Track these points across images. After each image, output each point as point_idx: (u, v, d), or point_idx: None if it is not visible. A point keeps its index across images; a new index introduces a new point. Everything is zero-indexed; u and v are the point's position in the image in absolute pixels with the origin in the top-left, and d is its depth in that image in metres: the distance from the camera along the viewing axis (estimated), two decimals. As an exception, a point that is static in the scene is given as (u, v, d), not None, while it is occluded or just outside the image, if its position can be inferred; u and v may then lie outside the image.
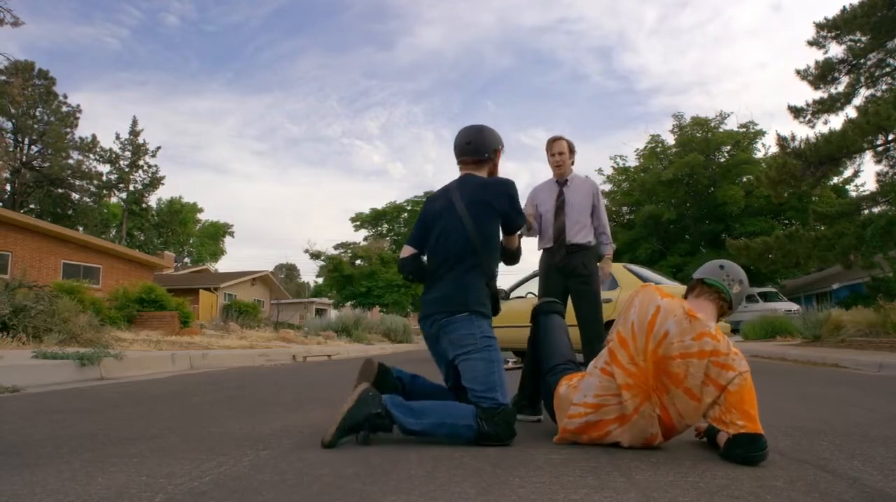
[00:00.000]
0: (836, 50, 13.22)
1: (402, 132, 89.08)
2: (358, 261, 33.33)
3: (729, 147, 26.88)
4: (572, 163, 3.68)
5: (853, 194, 20.79)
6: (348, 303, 30.34)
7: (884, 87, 13.02)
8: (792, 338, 11.55)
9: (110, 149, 38.78)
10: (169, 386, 4.05)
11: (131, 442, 2.00)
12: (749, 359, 1.89)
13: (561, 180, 3.64)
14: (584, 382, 2.00)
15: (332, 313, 28.83)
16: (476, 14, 78.79)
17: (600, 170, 30.35)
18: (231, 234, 52.82)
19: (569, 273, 3.52)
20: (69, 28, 60.21)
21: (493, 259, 2.30)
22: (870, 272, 14.84)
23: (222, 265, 50.03)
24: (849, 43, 13.00)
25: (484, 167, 2.42)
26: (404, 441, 2.06)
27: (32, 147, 35.09)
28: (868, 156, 12.66)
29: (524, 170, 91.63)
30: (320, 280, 39.57)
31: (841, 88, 13.23)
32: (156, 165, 40.72)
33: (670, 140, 28.58)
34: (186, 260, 47.93)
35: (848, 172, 18.79)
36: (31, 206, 35.10)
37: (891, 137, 11.52)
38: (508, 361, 7.52)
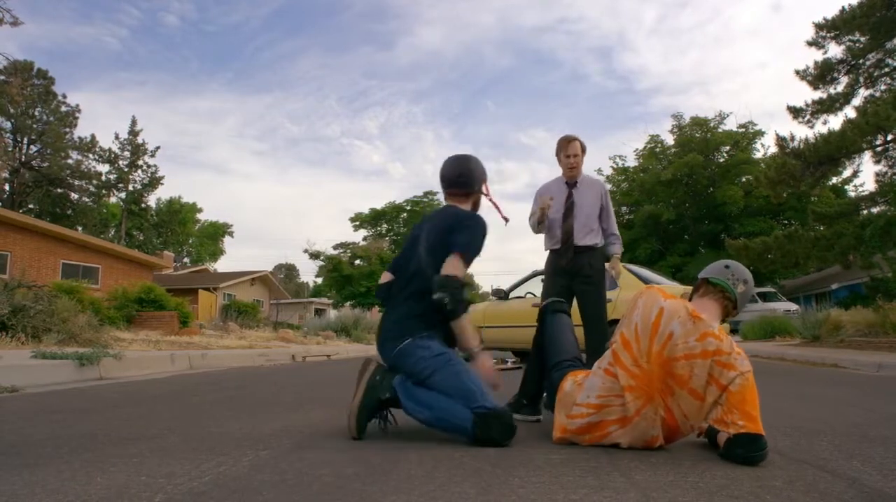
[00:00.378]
0: (835, 50, 13.26)
1: (402, 132, 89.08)
2: (357, 262, 33.35)
3: (728, 147, 26.92)
4: (582, 163, 3.65)
5: (852, 194, 20.81)
6: (347, 303, 30.33)
7: (883, 87, 13.04)
8: (791, 339, 11.56)
9: (109, 149, 38.82)
10: (168, 386, 4.05)
11: (131, 442, 1.99)
12: (748, 358, 1.89)
13: (571, 181, 3.61)
14: (587, 382, 2.00)
15: (332, 313, 28.84)
16: (476, 14, 78.83)
17: (600, 171, 30.41)
18: (230, 234, 52.84)
19: (574, 273, 3.51)
20: (69, 28, 60.27)
21: None
22: (869, 272, 14.84)
23: (221, 265, 50.06)
24: (848, 43, 13.01)
25: (470, 200, 2.43)
26: (405, 440, 2.06)
27: (31, 147, 35.09)
28: (867, 156, 12.68)
29: (524, 171, 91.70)
30: (319, 280, 39.61)
31: (840, 89, 13.25)
32: (155, 165, 40.79)
33: (670, 140, 28.65)
34: (186, 260, 47.91)
35: (847, 172, 18.80)
36: (30, 206, 35.08)
37: (890, 138, 11.53)
38: (508, 361, 7.52)
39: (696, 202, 27.32)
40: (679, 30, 74.37)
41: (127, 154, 39.57)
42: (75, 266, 16.97)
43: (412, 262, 2.26)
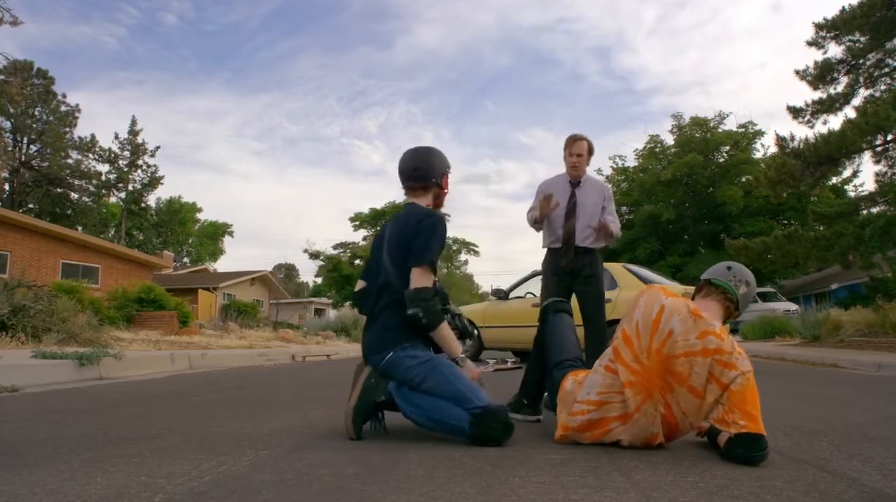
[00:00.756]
0: (835, 50, 13.26)
1: (401, 132, 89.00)
2: (357, 261, 33.35)
3: (728, 147, 26.92)
4: (588, 164, 3.60)
5: (852, 194, 20.81)
6: (347, 303, 30.30)
7: (883, 87, 13.04)
8: (791, 339, 11.56)
9: (109, 149, 38.84)
10: (168, 386, 4.05)
11: (131, 442, 1.99)
12: (749, 359, 1.89)
13: (574, 181, 3.56)
14: (588, 379, 2.01)
15: (331, 313, 28.83)
16: (475, 13, 78.91)
17: (599, 171, 30.41)
18: (230, 234, 52.81)
19: (573, 274, 3.49)
20: (67, 27, 60.31)
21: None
22: (868, 272, 14.84)
23: (221, 265, 50.02)
24: (848, 43, 13.01)
25: (429, 193, 2.34)
26: (405, 440, 2.06)
27: (31, 146, 35.10)
28: (867, 156, 12.68)
29: (523, 171, 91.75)
30: (319, 280, 39.64)
31: (840, 89, 13.25)
32: (155, 165, 40.83)
33: (669, 140, 28.65)
34: (185, 259, 47.90)
35: (847, 173, 18.80)
36: (30, 206, 35.08)
37: (890, 138, 11.53)
38: (507, 361, 7.52)
39: (695, 202, 27.32)
40: (678, 30, 74.48)
41: (127, 154, 39.60)
42: (75, 266, 16.97)
43: (381, 273, 2.24)
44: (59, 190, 35.81)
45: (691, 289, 2.18)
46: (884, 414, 2.87)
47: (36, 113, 34.97)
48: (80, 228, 34.43)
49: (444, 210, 2.43)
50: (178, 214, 45.48)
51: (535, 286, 7.36)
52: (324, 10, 79.84)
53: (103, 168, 38.78)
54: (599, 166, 31.33)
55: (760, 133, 26.74)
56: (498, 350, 8.67)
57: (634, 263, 13.72)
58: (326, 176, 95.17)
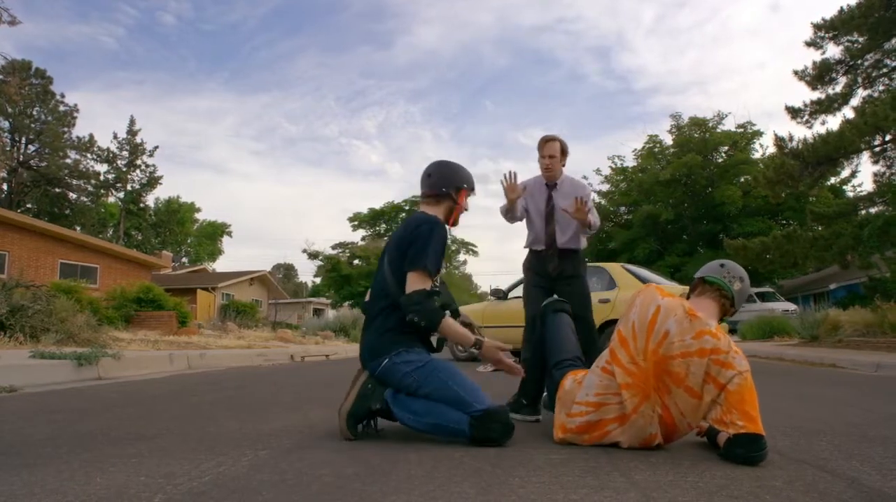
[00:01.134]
0: (833, 51, 13.26)
1: (400, 132, 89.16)
2: (356, 261, 33.36)
3: (727, 147, 26.92)
4: (563, 165, 3.49)
5: (850, 194, 20.82)
6: (346, 303, 30.32)
7: (881, 87, 13.05)
8: (789, 339, 11.57)
9: (108, 149, 38.77)
10: (167, 386, 4.04)
11: (130, 442, 1.99)
12: (747, 358, 1.89)
13: (551, 183, 3.47)
14: (586, 380, 2.01)
15: (330, 313, 28.83)
16: (474, 13, 78.96)
17: (598, 171, 30.39)
18: (229, 234, 52.77)
19: (556, 276, 3.44)
20: (65, 27, 60.25)
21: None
22: (867, 272, 14.86)
23: (220, 265, 50.00)
24: (846, 44, 13.02)
25: (442, 204, 2.30)
26: (404, 441, 2.06)
27: (29, 146, 35.04)
28: (865, 156, 12.69)
29: (523, 171, 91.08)
30: (318, 280, 39.62)
31: (838, 89, 13.25)
32: (153, 165, 40.78)
33: (668, 140, 28.64)
34: (184, 259, 47.84)
35: (845, 173, 18.79)
36: (28, 206, 35.02)
37: (888, 138, 11.54)
38: (507, 361, 7.51)
39: (694, 202, 27.33)
40: (677, 29, 74.59)
41: (125, 154, 39.55)
42: (73, 266, 16.94)
43: (378, 280, 2.23)
44: (57, 190, 35.75)
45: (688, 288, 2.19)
46: (882, 414, 2.87)
47: (34, 113, 34.92)
48: (78, 228, 34.37)
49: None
50: (177, 214, 45.44)
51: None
52: (323, 9, 79.94)
53: (102, 168, 38.80)
54: (599, 166, 31.36)
55: (759, 133, 26.77)
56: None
57: (633, 263, 13.73)
58: (326, 176, 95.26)
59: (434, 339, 2.29)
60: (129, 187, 40.20)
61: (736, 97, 75.96)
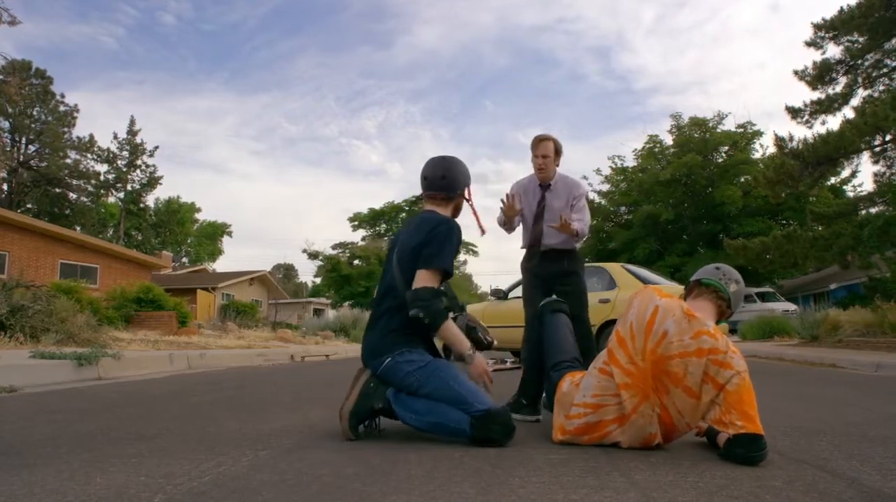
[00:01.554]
0: (833, 51, 13.26)
1: (400, 132, 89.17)
2: (356, 261, 33.35)
3: (727, 147, 26.92)
4: (557, 165, 3.42)
5: (851, 195, 20.81)
6: (346, 303, 30.32)
7: (881, 87, 13.05)
8: (789, 339, 11.57)
9: (108, 149, 38.75)
10: (167, 386, 4.04)
11: (130, 442, 1.99)
12: (747, 359, 1.89)
13: (544, 184, 3.41)
14: (583, 382, 2.01)
15: (330, 313, 28.83)
16: (474, 13, 78.96)
17: (598, 171, 30.38)
18: (229, 234, 52.76)
19: (552, 276, 3.41)
20: (64, 27, 60.19)
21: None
22: (867, 272, 14.86)
23: (220, 265, 49.99)
24: (846, 44, 13.02)
25: (450, 205, 2.32)
26: (404, 441, 2.06)
27: (30, 146, 35.03)
28: (865, 156, 12.69)
29: (523, 171, 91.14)
30: (318, 280, 39.62)
31: (839, 89, 13.25)
32: (153, 165, 40.73)
33: (668, 140, 28.62)
34: (184, 260, 47.84)
35: (845, 173, 18.79)
36: (29, 206, 35.02)
37: (888, 138, 11.54)
38: (507, 361, 7.52)
39: (694, 202, 27.33)
40: (677, 29, 74.60)
41: (125, 154, 39.52)
42: (73, 266, 16.94)
43: (385, 279, 2.24)
44: (57, 190, 35.74)
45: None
46: (882, 414, 2.87)
47: (34, 113, 34.91)
48: (78, 228, 34.36)
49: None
50: (177, 214, 45.44)
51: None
52: (323, 9, 79.90)
53: (102, 168, 38.76)
54: (599, 166, 31.35)
55: (759, 133, 26.75)
56: (497, 350, 8.66)
57: (633, 263, 13.72)
58: (326, 176, 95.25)
59: (440, 346, 2.28)
60: (129, 187, 40.19)
61: (736, 97, 76.00)
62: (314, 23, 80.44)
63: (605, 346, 2.02)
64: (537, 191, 3.42)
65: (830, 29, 12.93)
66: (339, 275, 32.23)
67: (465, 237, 2.29)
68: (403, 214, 38.34)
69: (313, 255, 34.55)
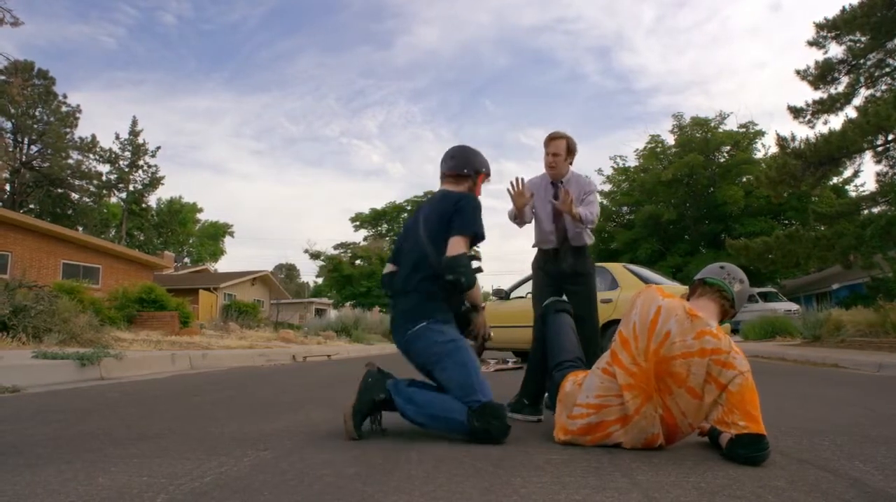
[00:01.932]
0: (835, 50, 13.22)
1: (401, 132, 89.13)
2: (358, 261, 33.35)
3: (728, 147, 26.91)
4: (570, 164, 3.40)
5: (853, 194, 20.79)
6: (348, 303, 30.33)
7: (883, 87, 13.01)
8: (792, 339, 11.56)
9: (110, 149, 38.80)
10: (169, 387, 4.05)
11: (132, 442, 1.99)
12: (749, 359, 1.89)
13: (556, 181, 3.39)
14: (586, 382, 2.01)
15: (332, 313, 28.84)
16: (474, 13, 78.90)
17: (600, 171, 30.40)
18: (231, 234, 52.85)
19: (564, 274, 3.41)
20: (64, 27, 60.21)
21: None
22: (869, 272, 14.83)
23: (222, 265, 50.09)
24: (848, 43, 12.98)
25: (462, 184, 2.43)
26: (405, 440, 2.06)
27: (32, 147, 35.11)
28: (868, 156, 12.65)
29: (523, 171, 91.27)
30: (320, 280, 39.65)
31: (841, 89, 13.21)
32: (155, 165, 40.80)
33: (670, 140, 28.63)
34: (186, 260, 47.94)
35: (848, 172, 18.77)
36: (31, 206, 35.09)
37: (890, 137, 11.51)
38: (508, 361, 7.52)
39: (696, 202, 27.32)
40: (677, 29, 74.47)
41: (127, 154, 39.58)
42: (76, 266, 16.98)
43: (414, 250, 2.31)
44: (59, 190, 35.81)
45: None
46: (885, 415, 2.86)
47: (37, 113, 34.97)
48: (80, 229, 34.47)
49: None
50: (179, 215, 45.50)
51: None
52: (322, 9, 79.97)
53: (104, 168, 38.82)
54: (600, 166, 31.34)
55: (761, 133, 26.74)
56: (498, 350, 8.66)
57: (635, 263, 13.71)
58: (326, 176, 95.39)
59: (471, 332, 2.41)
60: (131, 187, 40.25)
61: (737, 97, 76.09)
62: (314, 23, 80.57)
63: (608, 347, 2.02)
64: (549, 188, 3.39)
65: (832, 28, 12.90)
66: (340, 275, 32.22)
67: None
68: (405, 214, 38.33)
69: (315, 255, 34.55)
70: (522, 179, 3.22)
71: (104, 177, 38.71)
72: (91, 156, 37.46)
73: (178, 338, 8.52)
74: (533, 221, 3.50)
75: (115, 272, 18.14)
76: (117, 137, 39.56)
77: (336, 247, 35.92)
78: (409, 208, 38.17)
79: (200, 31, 72.28)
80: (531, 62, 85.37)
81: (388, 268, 2.49)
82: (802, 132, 35.93)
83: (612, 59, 76.79)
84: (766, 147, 26.31)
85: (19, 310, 6.03)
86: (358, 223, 39.14)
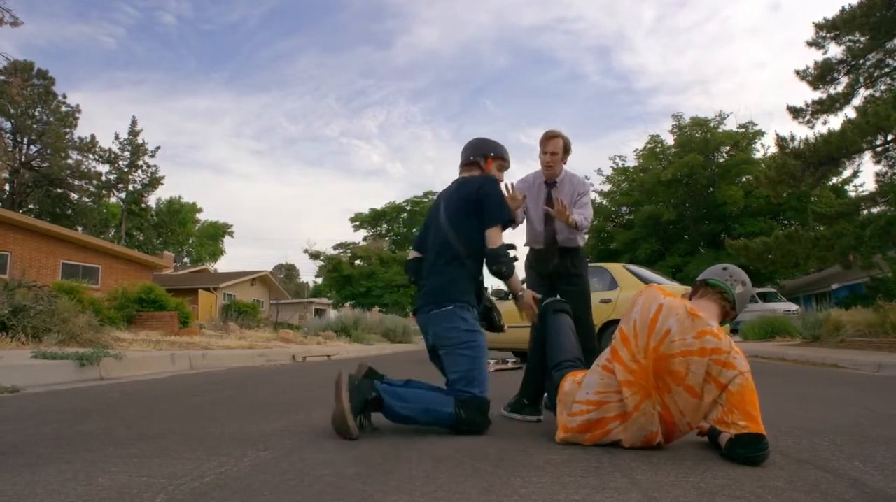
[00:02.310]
0: (835, 50, 13.23)
1: (401, 132, 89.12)
2: (357, 262, 33.36)
3: (728, 147, 26.92)
4: (565, 163, 3.36)
5: (852, 194, 20.80)
6: (348, 304, 30.33)
7: (883, 87, 13.02)
8: (791, 339, 11.56)
9: (109, 149, 38.78)
10: (169, 387, 4.05)
11: (132, 442, 1.99)
12: (749, 359, 1.89)
13: (550, 181, 3.34)
14: (586, 379, 2.01)
15: (332, 313, 28.84)
16: (474, 13, 78.91)
17: (600, 171, 30.40)
18: (230, 234, 52.82)
19: (557, 274, 3.37)
20: (64, 27, 60.16)
21: (472, 254, 2.39)
22: (869, 272, 14.84)
23: (221, 265, 50.07)
24: (848, 43, 12.99)
25: (474, 171, 2.56)
26: (405, 441, 2.06)
27: (31, 147, 35.07)
28: (867, 156, 12.65)
29: (523, 170, 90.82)
30: (320, 280, 39.64)
31: (840, 89, 13.22)
32: (155, 165, 40.78)
33: (670, 140, 28.64)
34: (186, 260, 47.92)
35: (847, 173, 18.80)
36: (31, 206, 35.08)
37: (890, 138, 11.52)
38: (508, 361, 7.52)
39: (696, 202, 27.33)
40: (677, 29, 74.51)
41: (127, 154, 39.57)
42: (75, 266, 16.96)
43: (437, 236, 2.43)
44: (59, 190, 35.79)
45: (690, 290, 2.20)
46: (885, 414, 2.86)
47: (36, 113, 34.94)
48: (80, 229, 34.44)
49: None
50: (179, 215, 45.49)
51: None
52: (322, 9, 79.95)
53: (103, 168, 38.79)
54: (600, 166, 31.35)
55: (760, 133, 26.75)
56: (498, 350, 8.66)
57: (635, 263, 13.72)
58: (326, 176, 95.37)
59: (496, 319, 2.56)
60: (130, 187, 40.23)
61: (737, 97, 76.10)
62: (314, 22, 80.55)
63: (607, 346, 2.02)
64: (543, 188, 3.36)
65: (832, 28, 12.90)
66: (340, 275, 32.22)
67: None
68: (405, 214, 38.36)
69: (315, 256, 34.55)
70: (513, 184, 3.19)
71: (104, 177, 38.71)
72: (90, 156, 37.46)
73: (178, 338, 8.52)
74: (525, 221, 3.49)
75: (114, 272, 18.13)
76: (117, 137, 39.58)
77: (336, 248, 35.97)
78: (408, 208, 38.20)
79: (200, 31, 72.31)
80: (531, 62, 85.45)
81: (412, 254, 2.63)
82: (802, 132, 35.99)
83: (612, 59, 76.86)
84: (765, 147, 26.36)
85: (19, 310, 6.03)
86: (358, 223, 39.18)
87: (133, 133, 40.11)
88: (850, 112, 12.63)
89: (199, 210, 49.18)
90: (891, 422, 2.59)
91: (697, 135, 27.25)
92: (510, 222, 2.44)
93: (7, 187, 33.51)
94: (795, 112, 13.35)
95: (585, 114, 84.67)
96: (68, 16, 60.52)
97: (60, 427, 2.28)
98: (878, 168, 13.29)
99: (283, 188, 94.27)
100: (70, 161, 36.13)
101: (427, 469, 1.63)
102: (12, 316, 5.92)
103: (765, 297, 20.53)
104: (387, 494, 1.36)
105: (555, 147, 3.25)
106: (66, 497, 1.32)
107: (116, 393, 3.53)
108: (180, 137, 78.83)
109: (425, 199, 37.77)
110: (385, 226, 39.55)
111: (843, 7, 12.55)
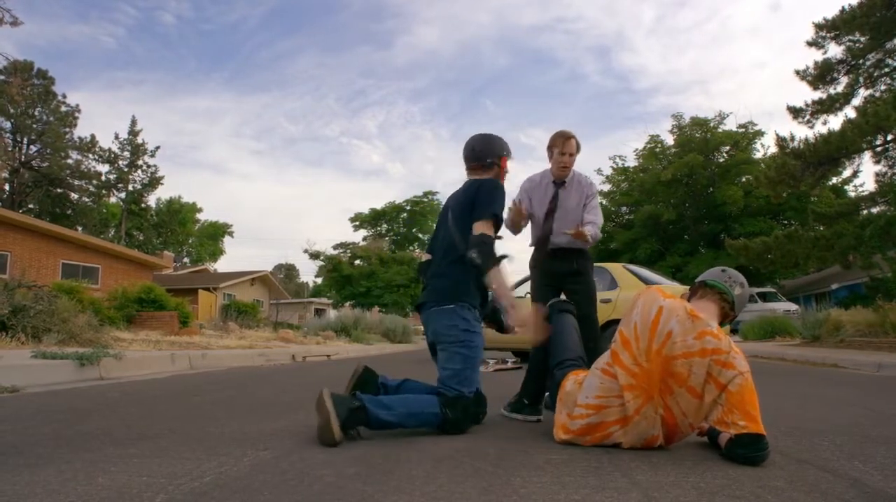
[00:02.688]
0: (835, 50, 13.23)
1: (401, 132, 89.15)
2: (357, 261, 33.31)
3: (728, 147, 26.90)
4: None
5: (852, 194, 20.78)
6: (347, 304, 30.30)
7: (883, 87, 13.02)
8: (791, 339, 11.56)
9: (109, 149, 38.77)
10: (169, 387, 4.04)
11: (132, 442, 1.99)
12: (748, 359, 1.89)
13: (559, 181, 3.35)
14: (586, 382, 2.01)
15: (332, 313, 28.85)
16: (474, 13, 78.96)
17: (599, 171, 30.38)
18: (230, 234, 52.80)
19: (562, 274, 3.37)
20: (64, 27, 60.09)
21: None
22: (869, 272, 14.84)
23: (221, 265, 50.05)
24: (848, 43, 12.99)
25: (489, 173, 2.53)
26: (405, 440, 2.06)
27: (31, 147, 35.06)
28: (867, 156, 12.65)
29: (523, 170, 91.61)
30: (319, 280, 39.55)
31: (840, 89, 13.22)
32: (155, 165, 40.77)
33: (669, 140, 28.61)
34: (185, 260, 47.90)
35: (847, 173, 18.74)
36: (30, 206, 35.07)
37: (890, 138, 11.52)
38: (508, 361, 7.52)
39: (696, 202, 27.32)
40: (677, 29, 74.52)
41: (127, 154, 39.56)
42: (75, 266, 16.96)
43: (445, 237, 2.44)
44: (59, 190, 35.78)
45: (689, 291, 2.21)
46: (885, 415, 2.86)
47: (36, 113, 34.93)
48: (80, 229, 34.43)
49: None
50: (179, 214, 45.47)
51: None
52: (322, 9, 79.93)
53: (103, 168, 38.78)
54: (600, 166, 31.33)
55: (760, 133, 26.72)
56: (498, 350, 8.66)
57: (635, 263, 13.71)
58: (326, 176, 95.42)
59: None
60: (130, 187, 40.23)
61: (737, 97, 76.11)
62: (314, 22, 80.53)
63: (607, 347, 2.02)
64: (550, 187, 3.36)
65: (832, 28, 12.90)
66: (340, 275, 32.17)
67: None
68: (405, 214, 38.33)
69: (314, 255, 34.50)
70: (521, 202, 3.26)
71: (103, 177, 38.70)
72: (90, 155, 37.44)
73: (178, 337, 8.52)
74: (531, 221, 3.49)
75: (114, 272, 18.12)
76: (116, 137, 39.57)
77: (335, 247, 35.87)
78: (408, 208, 38.17)
79: (200, 31, 72.26)
80: (531, 62, 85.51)
81: (425, 257, 2.65)
82: (802, 132, 36.00)
83: (612, 59, 76.89)
84: (765, 147, 26.33)
85: (18, 310, 6.03)
86: (357, 223, 39.10)
87: (133, 133, 40.11)
88: (850, 112, 12.64)
89: (199, 210, 49.19)
90: (891, 422, 2.59)
91: (697, 135, 27.24)
92: (499, 218, 2.35)
93: (7, 187, 33.50)
94: (795, 112, 13.35)
95: (585, 114, 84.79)
96: (68, 16, 60.54)
97: (60, 427, 2.28)
98: (878, 168, 13.30)
99: (283, 188, 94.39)
100: (70, 161, 36.13)
101: (427, 469, 1.63)
102: (12, 316, 5.91)
103: (765, 297, 20.52)
104: (387, 494, 1.36)
105: (571, 148, 3.28)
106: (66, 497, 1.32)
107: (116, 393, 3.53)
108: (180, 137, 78.88)
109: (425, 199, 37.76)
110: (385, 226, 39.49)
111: (843, 7, 12.55)
